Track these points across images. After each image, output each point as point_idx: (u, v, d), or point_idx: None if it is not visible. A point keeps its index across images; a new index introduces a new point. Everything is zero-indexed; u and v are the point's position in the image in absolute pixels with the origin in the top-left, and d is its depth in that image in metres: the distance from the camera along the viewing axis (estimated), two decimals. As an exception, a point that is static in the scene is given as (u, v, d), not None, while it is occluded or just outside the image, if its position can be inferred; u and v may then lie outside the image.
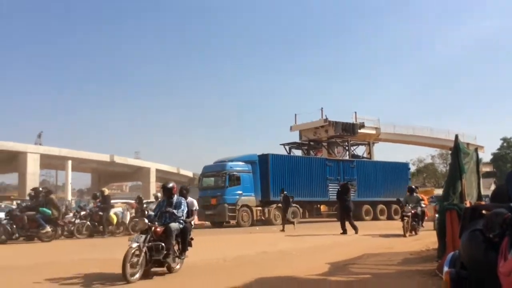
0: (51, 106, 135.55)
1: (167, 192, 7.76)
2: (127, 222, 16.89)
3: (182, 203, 7.64)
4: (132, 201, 20.61)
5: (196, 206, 8.75)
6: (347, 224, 15.29)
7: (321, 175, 25.85)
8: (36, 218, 14.07)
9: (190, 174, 79.33)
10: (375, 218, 26.25)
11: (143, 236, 6.77)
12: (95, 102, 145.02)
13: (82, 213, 16.59)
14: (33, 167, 56.95)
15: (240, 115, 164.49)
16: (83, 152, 64.85)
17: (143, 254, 6.61)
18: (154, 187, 68.44)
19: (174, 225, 7.27)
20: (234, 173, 22.66)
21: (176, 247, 7.50)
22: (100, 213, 16.18)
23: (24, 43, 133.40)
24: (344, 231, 15.00)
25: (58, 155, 60.49)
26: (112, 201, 19.59)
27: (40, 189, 16.02)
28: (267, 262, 9.12)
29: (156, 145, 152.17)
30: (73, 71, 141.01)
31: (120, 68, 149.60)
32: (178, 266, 7.56)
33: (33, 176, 56.61)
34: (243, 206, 22.44)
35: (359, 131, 38.74)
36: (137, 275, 6.53)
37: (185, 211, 7.60)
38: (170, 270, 7.34)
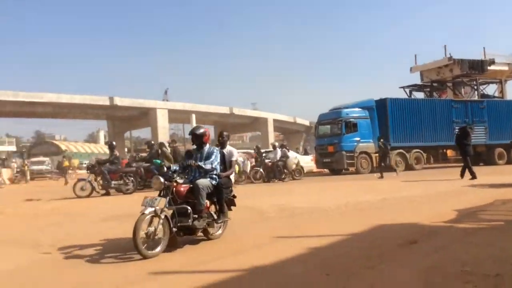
0: (176, 64, 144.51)
1: (197, 139, 6.17)
2: (248, 171, 17.68)
3: (214, 154, 6.10)
4: (252, 151, 21.43)
5: (235, 156, 6.93)
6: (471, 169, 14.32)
7: (446, 118, 24.27)
8: (151, 169, 15.38)
9: (306, 122, 79.62)
10: (509, 162, 24.13)
11: (159, 199, 5.39)
12: (212, 57, 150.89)
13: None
14: (162, 121, 61.78)
15: (356, 61, 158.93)
16: (205, 105, 68.37)
17: (161, 221, 5.28)
18: (272, 137, 70.18)
19: (203, 182, 5.83)
20: (351, 119, 22.22)
21: (213, 209, 6.21)
22: (224, 162, 17.13)
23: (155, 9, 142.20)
24: (473, 177, 14.02)
25: (183, 109, 64.53)
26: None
27: (152, 142, 17.41)
28: (388, 208, 8.94)
29: (273, 96, 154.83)
30: (193, 32, 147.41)
31: (236, 22, 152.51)
32: (219, 231, 6.30)
33: (164, 129, 61.48)
34: (362, 153, 22.07)
35: (488, 68, 35.06)
36: (158, 248, 5.26)
37: (216, 163, 6.07)
38: (207, 236, 6.16)
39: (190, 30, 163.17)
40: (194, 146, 6.40)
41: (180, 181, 5.93)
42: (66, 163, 29.23)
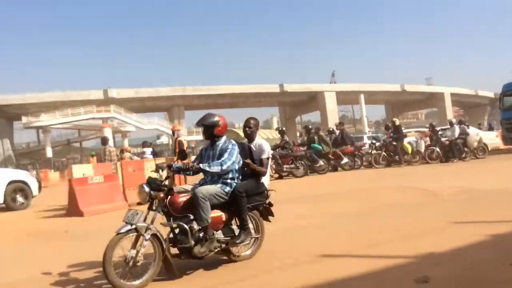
0: (342, 44, 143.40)
1: (206, 132, 4.69)
2: (422, 150, 16.70)
3: (227, 151, 4.55)
4: (425, 129, 20.17)
5: (267, 152, 4.97)
6: None
7: None
8: (310, 154, 15.48)
9: (490, 94, 71.75)
10: None
11: (141, 214, 4.07)
12: (379, 34, 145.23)
13: (377, 144, 17.23)
14: (331, 104, 62.22)
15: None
16: (373, 84, 66.68)
17: (145, 242, 4.00)
18: (450, 112, 65.02)
19: (206, 189, 4.37)
20: (546, 87, 19.10)
21: (235, 224, 4.70)
22: (394, 143, 16.48)
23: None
24: None
25: (351, 90, 63.94)
26: (405, 130, 19.73)
27: (310, 127, 17.56)
28: None
29: (450, 69, 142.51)
30: (358, 12, 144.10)
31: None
32: (247, 252, 4.81)
33: (332, 112, 61.96)
34: (561, 126, 18.87)
35: None
36: (142, 279, 4.03)
37: (229, 163, 4.48)
38: (229, 257, 4.72)
39: (354, 12, 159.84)
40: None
41: (188, 187, 4.62)
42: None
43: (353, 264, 4.29)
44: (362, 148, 17.39)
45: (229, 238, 4.52)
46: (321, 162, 15.57)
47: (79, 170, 10.75)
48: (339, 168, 16.33)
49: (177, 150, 12.49)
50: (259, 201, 4.77)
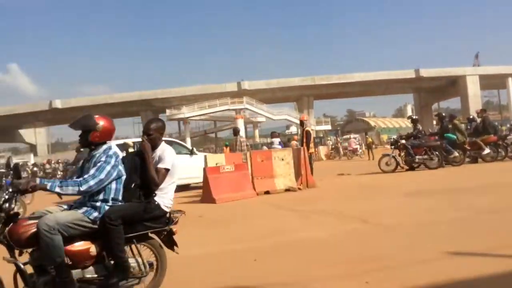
0: (486, 26, 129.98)
1: (81, 137, 3.58)
2: None
3: (98, 165, 3.38)
4: None
5: (167, 163, 3.77)
6: None
7: None
8: (444, 145, 14.21)
9: None
10: None
11: None
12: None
13: (525, 132, 15.40)
14: (473, 89, 57.13)
15: None
16: (523, 67, 59.61)
17: None
18: None
19: (58, 218, 3.19)
20: None
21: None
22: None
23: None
24: None
25: (497, 73, 58.03)
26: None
27: (443, 114, 16.09)
28: None
29: None
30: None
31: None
32: None
33: (475, 98, 56.89)
34: None
35: None
36: None
37: (93, 183, 3.29)
38: None
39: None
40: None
41: (56, 210, 3.46)
42: (370, 140, 30.74)
43: (483, 263, 3.98)
44: (508, 137, 15.64)
45: (103, 278, 3.36)
46: (455, 153, 14.37)
47: (212, 160, 11.39)
48: (479, 160, 14.95)
49: (304, 140, 12.66)
50: (154, 228, 3.63)
